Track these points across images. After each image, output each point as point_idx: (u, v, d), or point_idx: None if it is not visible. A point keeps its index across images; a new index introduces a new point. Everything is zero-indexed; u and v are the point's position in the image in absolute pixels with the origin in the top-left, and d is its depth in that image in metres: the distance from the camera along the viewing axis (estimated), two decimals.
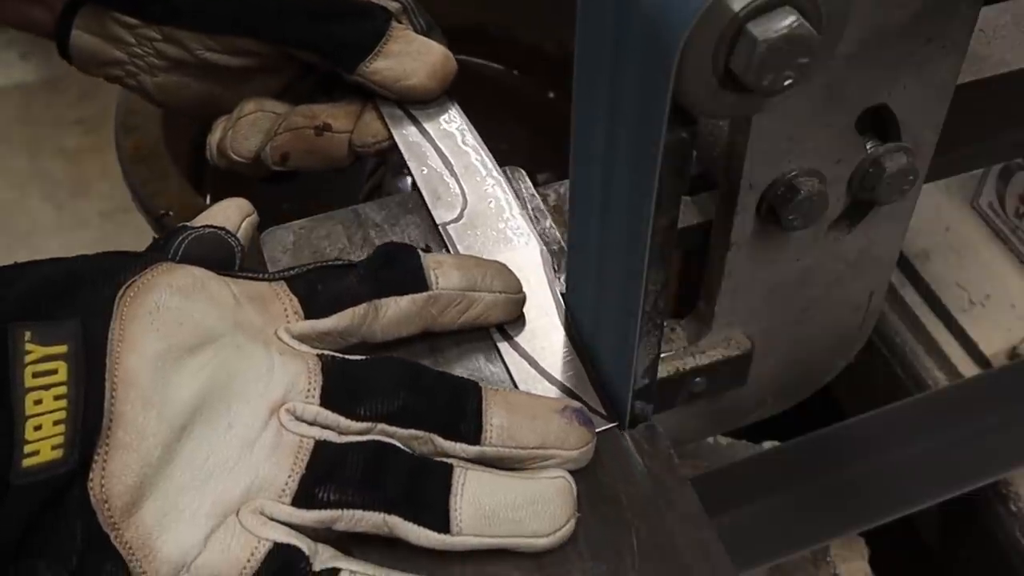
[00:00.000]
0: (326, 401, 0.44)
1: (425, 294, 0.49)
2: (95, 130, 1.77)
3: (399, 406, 0.44)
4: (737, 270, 0.49)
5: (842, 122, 0.45)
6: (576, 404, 0.47)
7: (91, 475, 0.40)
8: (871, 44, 0.41)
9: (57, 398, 0.40)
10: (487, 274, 0.51)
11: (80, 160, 1.78)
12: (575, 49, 0.41)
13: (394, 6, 0.66)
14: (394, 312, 0.48)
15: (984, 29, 0.55)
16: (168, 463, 0.41)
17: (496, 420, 0.45)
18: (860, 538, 0.78)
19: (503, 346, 0.52)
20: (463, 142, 0.62)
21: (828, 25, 0.34)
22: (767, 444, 0.81)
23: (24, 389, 0.40)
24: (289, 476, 0.42)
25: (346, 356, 0.46)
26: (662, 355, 0.48)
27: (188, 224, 0.51)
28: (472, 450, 0.44)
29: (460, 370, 0.50)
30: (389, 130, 0.64)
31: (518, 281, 0.52)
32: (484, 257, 0.53)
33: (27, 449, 0.39)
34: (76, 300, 0.42)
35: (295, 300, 0.47)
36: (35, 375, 0.40)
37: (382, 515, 0.42)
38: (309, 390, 0.44)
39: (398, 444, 0.44)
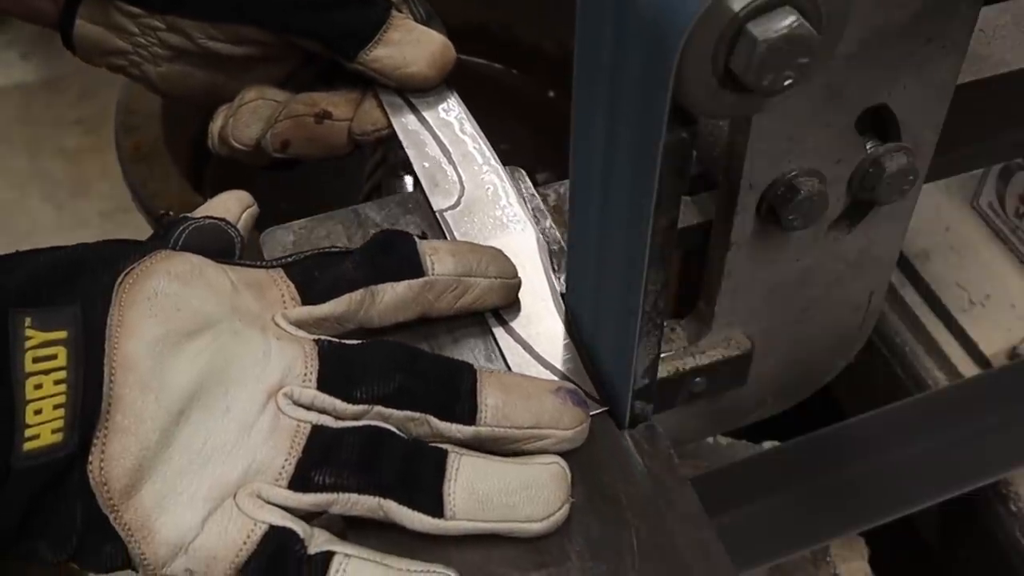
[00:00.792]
0: (323, 385, 0.44)
1: (421, 280, 0.49)
2: (95, 130, 1.77)
3: (395, 388, 0.45)
4: (737, 270, 0.49)
5: (842, 122, 0.45)
6: (570, 385, 0.48)
7: (91, 458, 0.41)
8: (871, 44, 0.41)
9: (57, 383, 0.41)
10: (482, 260, 0.51)
11: (80, 160, 1.78)
12: (575, 48, 0.41)
13: None
14: (391, 298, 0.49)
15: (984, 29, 0.55)
16: (166, 446, 0.42)
17: (491, 400, 0.45)
18: (860, 538, 0.78)
19: (498, 331, 0.52)
20: (461, 130, 0.63)
21: (828, 25, 0.34)
22: (767, 444, 0.82)
23: (24, 374, 0.40)
24: (286, 460, 0.43)
25: (342, 341, 0.47)
26: (662, 355, 0.48)
27: (189, 215, 0.51)
28: (468, 430, 0.45)
29: (455, 355, 0.50)
30: (388, 118, 0.64)
31: (513, 266, 0.52)
32: (480, 243, 0.54)
33: (28, 433, 0.40)
34: (76, 287, 0.43)
35: (292, 287, 0.47)
36: (35, 360, 0.41)
37: (377, 499, 0.43)
38: (306, 374, 0.44)
39: (394, 429, 0.44)
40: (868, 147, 0.46)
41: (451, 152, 0.61)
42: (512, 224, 0.57)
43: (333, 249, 0.50)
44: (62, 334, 0.41)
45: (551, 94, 1.20)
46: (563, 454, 0.46)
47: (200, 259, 0.46)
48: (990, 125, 0.58)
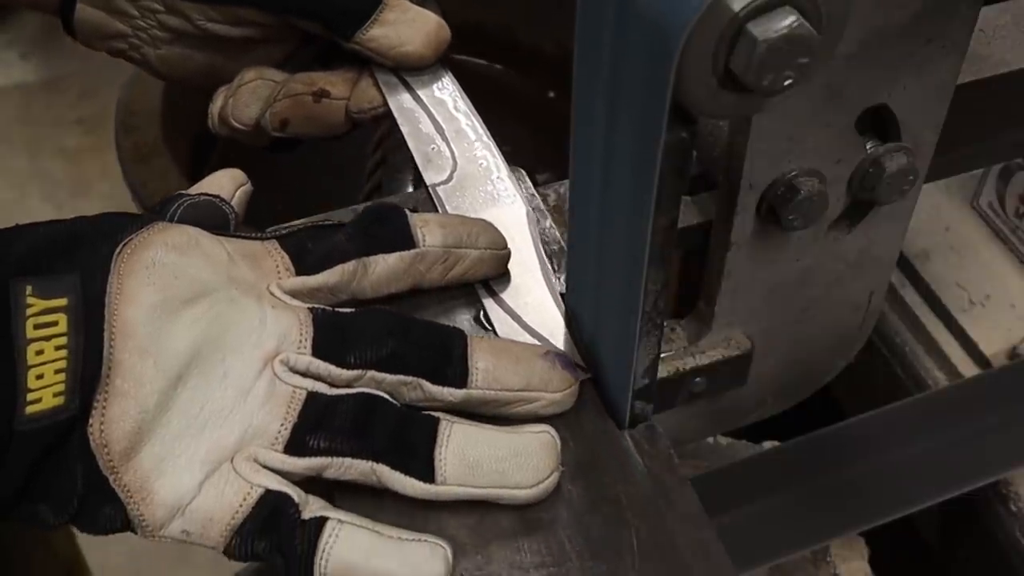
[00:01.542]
0: (317, 351, 0.45)
1: (412, 251, 0.50)
2: (95, 130, 1.77)
3: (388, 353, 0.46)
4: (737, 270, 0.49)
5: (842, 122, 0.45)
6: (559, 349, 0.49)
7: (91, 421, 0.42)
8: (871, 44, 0.41)
9: (58, 348, 0.42)
10: (472, 231, 0.52)
11: (80, 160, 1.78)
12: (575, 49, 0.41)
13: None
14: (383, 269, 0.50)
15: (984, 29, 0.55)
16: (165, 410, 0.43)
17: (481, 364, 0.46)
18: (860, 538, 0.78)
19: (488, 302, 0.53)
20: (455, 108, 0.64)
21: (828, 25, 0.34)
22: (767, 444, 0.81)
23: (26, 340, 0.41)
24: (282, 425, 0.44)
25: (336, 309, 0.47)
26: (662, 355, 0.48)
27: (184, 192, 0.52)
28: (459, 393, 0.46)
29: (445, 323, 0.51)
30: (384, 97, 0.65)
31: (503, 237, 0.53)
32: (471, 216, 0.55)
33: (30, 397, 0.41)
34: (75, 257, 0.44)
35: (286, 257, 0.48)
36: (36, 327, 0.42)
37: (370, 463, 0.44)
38: (301, 341, 0.45)
39: (387, 396, 0.45)
40: (868, 147, 0.46)
41: (444, 129, 0.63)
42: (503, 197, 0.58)
43: (326, 222, 0.52)
44: (62, 301, 0.42)
45: (551, 94, 1.20)
46: (562, 455, 0.46)
47: (196, 230, 0.47)
48: (990, 125, 0.58)
